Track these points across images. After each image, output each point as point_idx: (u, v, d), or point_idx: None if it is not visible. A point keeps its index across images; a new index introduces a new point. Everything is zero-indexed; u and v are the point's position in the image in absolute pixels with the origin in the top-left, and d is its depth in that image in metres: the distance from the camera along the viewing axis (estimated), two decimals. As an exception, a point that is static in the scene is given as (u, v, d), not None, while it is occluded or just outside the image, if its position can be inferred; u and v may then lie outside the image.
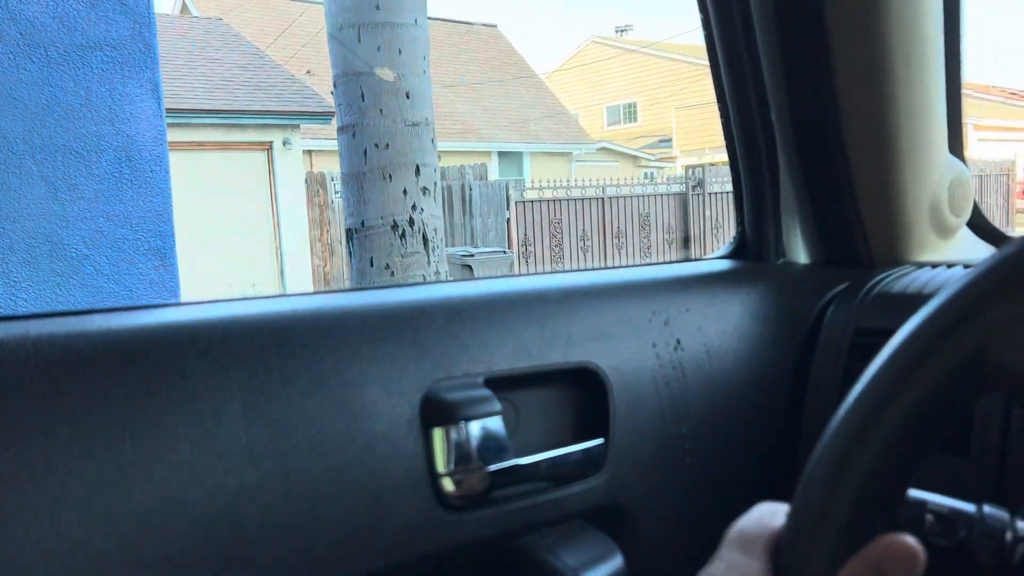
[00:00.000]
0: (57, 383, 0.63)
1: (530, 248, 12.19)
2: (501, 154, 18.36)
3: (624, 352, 0.91)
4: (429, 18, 3.72)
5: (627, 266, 1.06)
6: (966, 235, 1.11)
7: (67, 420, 0.63)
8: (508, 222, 12.00)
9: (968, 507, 0.44)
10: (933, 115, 1.01)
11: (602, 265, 12.00)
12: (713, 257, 1.16)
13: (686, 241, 13.91)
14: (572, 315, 0.89)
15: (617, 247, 13.09)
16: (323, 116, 10.86)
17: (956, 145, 1.06)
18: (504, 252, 9.65)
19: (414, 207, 3.54)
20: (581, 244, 12.72)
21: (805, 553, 0.41)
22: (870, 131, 1.00)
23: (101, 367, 0.65)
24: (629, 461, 0.90)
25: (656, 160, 24.99)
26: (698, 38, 1.15)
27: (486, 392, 0.81)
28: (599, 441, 0.88)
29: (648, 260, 13.42)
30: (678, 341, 0.95)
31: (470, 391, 0.80)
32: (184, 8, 17.74)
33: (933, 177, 1.04)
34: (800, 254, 1.13)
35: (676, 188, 14.31)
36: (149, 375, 0.67)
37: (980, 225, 1.13)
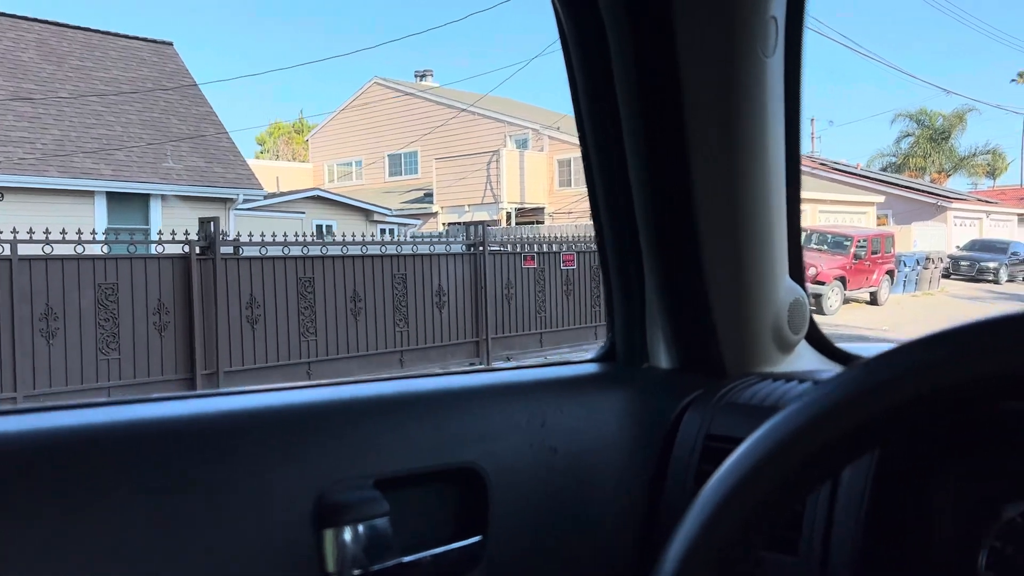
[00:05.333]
0: None
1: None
2: (111, 195, 13.74)
3: (505, 452, 0.97)
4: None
5: (513, 367, 1.16)
6: (804, 348, 1.25)
7: None
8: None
9: None
10: (778, 243, 1.14)
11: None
12: (587, 360, 1.26)
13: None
14: (462, 416, 0.95)
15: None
16: None
17: (796, 271, 1.20)
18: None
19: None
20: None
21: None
22: (726, 257, 1.12)
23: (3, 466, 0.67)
24: (506, 557, 0.95)
25: (401, 216, 21.81)
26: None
27: (375, 494, 0.85)
28: (477, 539, 0.93)
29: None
30: (554, 444, 1.02)
31: (361, 492, 0.84)
32: None
33: (776, 300, 1.17)
34: (663, 359, 1.23)
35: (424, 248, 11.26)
36: (52, 476, 0.69)
37: (817, 339, 1.27)
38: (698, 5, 1.00)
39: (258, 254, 9.07)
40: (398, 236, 17.20)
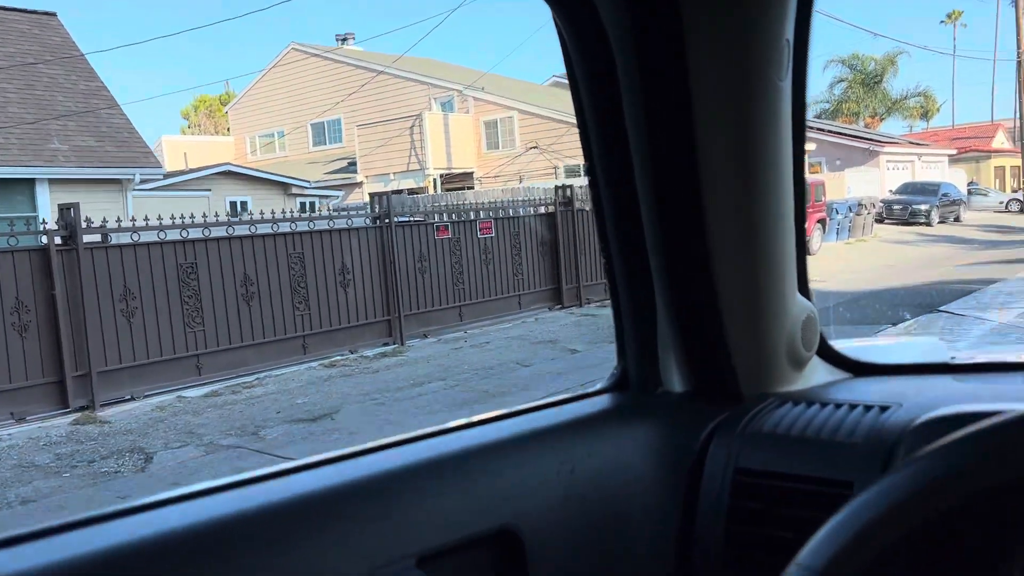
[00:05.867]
0: None
1: None
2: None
3: (538, 509, 0.95)
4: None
5: (528, 409, 1.10)
6: (816, 363, 1.23)
7: None
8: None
9: None
10: (788, 262, 1.13)
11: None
12: (599, 390, 1.21)
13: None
14: (493, 473, 0.94)
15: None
16: None
17: (803, 286, 1.19)
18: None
19: None
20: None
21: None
22: (737, 275, 1.11)
23: None
24: None
25: (322, 188, 20.83)
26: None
27: (419, 574, 0.84)
28: None
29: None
30: (584, 492, 1.01)
31: (407, 574, 0.83)
32: None
33: (789, 318, 1.16)
34: (676, 383, 1.20)
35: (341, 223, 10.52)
36: None
37: (827, 353, 1.25)
38: (715, 30, 0.98)
39: (130, 241, 8.22)
40: (319, 209, 16.34)
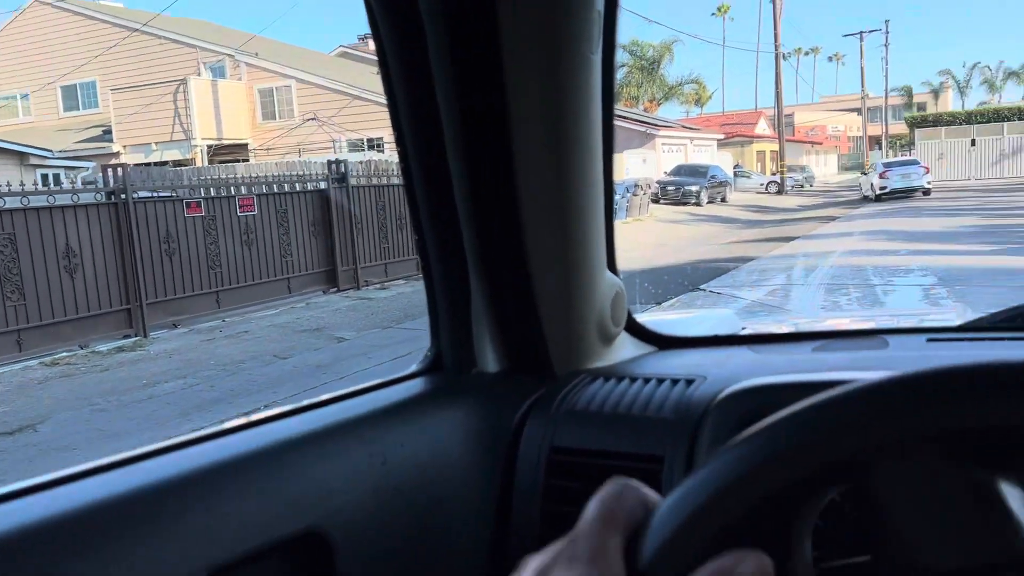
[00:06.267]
0: None
1: None
2: None
3: (349, 506, 0.89)
4: None
5: (332, 399, 1.02)
6: (624, 338, 1.25)
7: None
8: None
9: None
10: (598, 238, 1.14)
11: None
12: (412, 373, 1.17)
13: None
14: (294, 475, 0.85)
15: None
16: None
17: (612, 263, 1.21)
18: None
19: None
20: None
21: (667, 549, 0.43)
22: (550, 253, 1.10)
23: None
24: None
25: (70, 158, 18.66)
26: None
27: None
28: None
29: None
30: (397, 484, 0.95)
31: None
32: None
33: (599, 293, 1.17)
34: (490, 363, 1.19)
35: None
36: None
37: (634, 328, 1.28)
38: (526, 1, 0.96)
39: None
40: (66, 182, 14.35)
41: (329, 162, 12.26)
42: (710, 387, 1.02)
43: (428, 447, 1.00)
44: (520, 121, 1.00)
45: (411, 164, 1.08)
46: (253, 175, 11.81)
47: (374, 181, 12.66)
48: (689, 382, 1.05)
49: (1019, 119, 36.92)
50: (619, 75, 42.54)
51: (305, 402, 1.00)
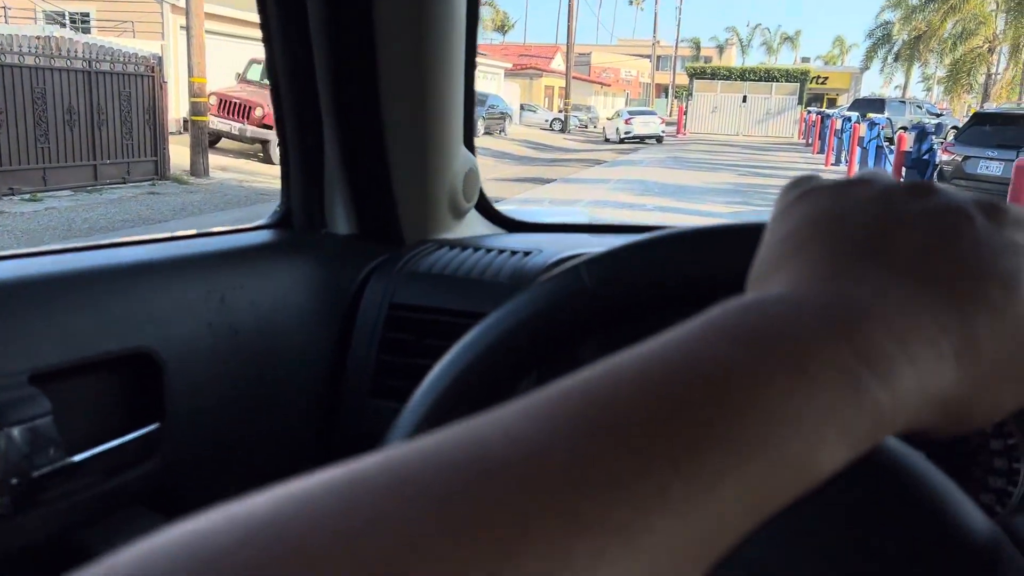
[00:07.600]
0: None
1: None
2: None
3: (182, 334, 0.90)
4: None
5: (178, 236, 1.03)
6: (473, 215, 1.30)
7: None
8: None
9: None
10: (456, 112, 1.15)
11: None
12: (259, 225, 1.17)
13: None
14: (130, 296, 0.86)
15: None
16: None
17: (468, 140, 1.22)
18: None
19: None
20: None
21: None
22: (407, 123, 1.12)
23: None
24: (187, 441, 0.90)
25: None
26: None
27: (32, 391, 0.75)
28: (154, 426, 0.87)
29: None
30: (234, 323, 0.96)
31: (13, 391, 0.73)
32: None
33: (453, 167, 1.19)
34: (341, 225, 1.19)
35: None
36: None
37: (485, 208, 1.32)
38: None
39: None
40: None
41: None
42: (544, 257, 1.07)
43: (270, 296, 1.01)
44: None
45: (270, 18, 1.07)
46: None
47: (54, 63, 9.94)
48: (527, 253, 1.09)
49: (787, 80, 38.78)
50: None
51: (148, 236, 0.99)
